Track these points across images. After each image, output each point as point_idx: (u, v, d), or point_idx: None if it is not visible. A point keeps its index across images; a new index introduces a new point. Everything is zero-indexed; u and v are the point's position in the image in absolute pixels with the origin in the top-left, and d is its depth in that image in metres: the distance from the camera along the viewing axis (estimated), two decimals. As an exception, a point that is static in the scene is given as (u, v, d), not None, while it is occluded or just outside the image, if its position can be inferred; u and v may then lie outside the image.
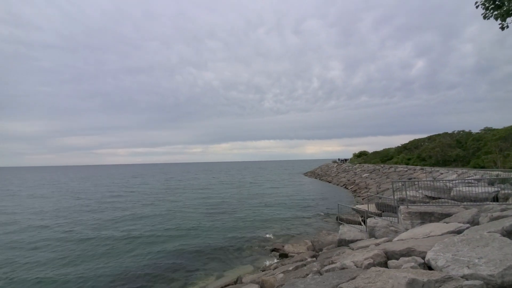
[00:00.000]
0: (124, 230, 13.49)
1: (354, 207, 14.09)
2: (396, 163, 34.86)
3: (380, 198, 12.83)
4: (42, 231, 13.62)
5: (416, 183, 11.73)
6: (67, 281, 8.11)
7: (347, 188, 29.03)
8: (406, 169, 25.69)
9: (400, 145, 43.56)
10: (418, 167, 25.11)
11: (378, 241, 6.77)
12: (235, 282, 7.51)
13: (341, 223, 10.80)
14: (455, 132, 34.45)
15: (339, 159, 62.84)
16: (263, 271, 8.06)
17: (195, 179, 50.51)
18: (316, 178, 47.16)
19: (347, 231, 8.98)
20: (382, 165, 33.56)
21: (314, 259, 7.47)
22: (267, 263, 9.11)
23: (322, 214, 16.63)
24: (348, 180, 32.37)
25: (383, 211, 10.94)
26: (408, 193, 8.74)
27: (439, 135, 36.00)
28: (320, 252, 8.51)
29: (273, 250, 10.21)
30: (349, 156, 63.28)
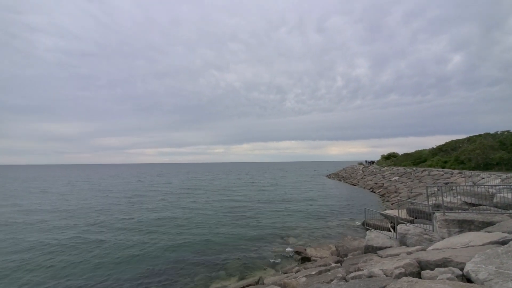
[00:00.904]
0: (146, 230, 14.24)
1: (383, 212, 13.47)
2: (430, 166, 32.59)
3: (412, 203, 12.12)
4: (67, 230, 14.58)
5: (453, 188, 10.90)
6: (90, 278, 8.80)
7: (374, 192, 27.79)
8: (442, 172, 23.94)
9: (435, 147, 40.63)
10: (456, 171, 23.25)
11: (410, 249, 6.43)
12: (257, 283, 7.59)
13: (368, 229, 10.38)
14: (499, 132, 31.30)
15: (366, 161, 60.26)
16: (284, 273, 8.05)
17: (216, 180, 51.67)
18: (340, 180, 45.76)
19: (374, 237, 8.63)
20: (414, 168, 31.62)
21: (339, 264, 7.29)
22: (289, 266, 9.07)
23: (347, 218, 16.11)
24: (376, 184, 30.96)
25: (415, 218, 10.34)
26: (444, 198, 8.16)
27: (480, 135, 32.98)
28: (345, 258, 8.28)
29: (295, 253, 10.14)
30: (377, 158, 60.48)
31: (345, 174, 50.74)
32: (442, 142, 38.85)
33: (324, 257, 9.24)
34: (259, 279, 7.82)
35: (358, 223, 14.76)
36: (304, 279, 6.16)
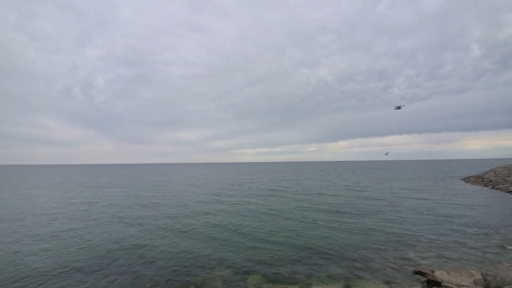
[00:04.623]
0: (245, 225, 15.85)
1: None
2: None
3: None
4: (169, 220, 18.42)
5: None
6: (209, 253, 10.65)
7: (554, 206, 19.47)
8: None
9: None
10: None
11: None
12: (367, 298, 7.01)
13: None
14: None
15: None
16: (403, 295, 7.02)
17: (306, 180, 50.59)
18: (486, 185, 34.84)
19: (558, 272, 6.10)
20: None
21: (490, 299, 5.64)
22: (409, 287, 7.81)
23: (499, 238, 12.12)
24: (556, 193, 21.62)
25: None
26: None
27: None
28: (500, 293, 6.31)
29: (417, 273, 8.61)
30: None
31: (496, 177, 38.11)
32: None
33: (463, 285, 7.37)
34: (369, 294, 7.19)
35: (523, 247, 10.83)
36: (433, 306, 5.16)
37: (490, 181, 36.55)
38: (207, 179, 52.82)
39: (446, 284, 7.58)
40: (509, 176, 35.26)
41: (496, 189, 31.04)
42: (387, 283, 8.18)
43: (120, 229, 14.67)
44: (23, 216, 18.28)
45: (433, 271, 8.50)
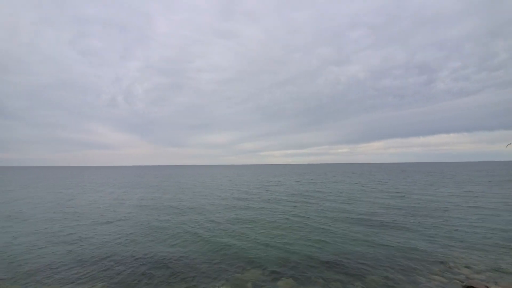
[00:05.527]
0: (272, 232, 15.82)
1: None
2: None
3: None
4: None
5: None
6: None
7: None
8: None
9: None
10: None
11: None
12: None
13: None
14: None
15: None
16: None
17: (337, 183, 47.99)
18: (555, 192, 30.20)
19: None
20: None
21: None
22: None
23: None
24: None
25: None
26: None
27: None
28: None
29: (468, 288, 7.83)
30: None
31: None
32: None
33: (527, 305, 6.52)
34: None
35: None
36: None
37: (561, 186, 31.50)
38: (234, 182, 53.57)
39: (505, 303, 6.77)
40: None
41: None
42: (433, 296, 7.59)
43: (147, 231, 15.20)
44: (55, 215, 20.55)
45: (487, 287, 7.65)
